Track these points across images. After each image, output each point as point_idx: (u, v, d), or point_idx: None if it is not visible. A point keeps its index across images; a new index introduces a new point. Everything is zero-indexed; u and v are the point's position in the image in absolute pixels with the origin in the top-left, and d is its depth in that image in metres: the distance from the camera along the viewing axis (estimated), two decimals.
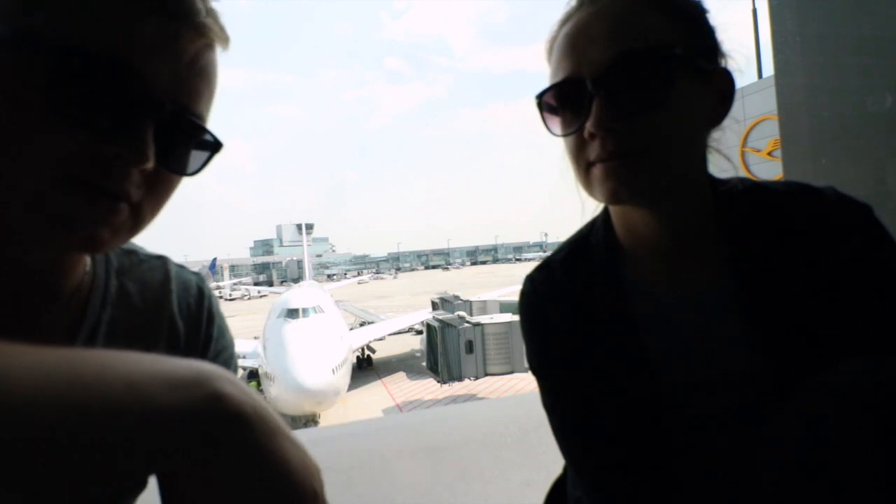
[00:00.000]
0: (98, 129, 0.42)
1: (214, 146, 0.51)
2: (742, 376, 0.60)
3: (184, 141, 0.49)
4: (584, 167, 0.60)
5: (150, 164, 0.44)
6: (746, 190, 0.65)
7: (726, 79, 0.61)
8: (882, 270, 0.58)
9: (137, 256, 0.60)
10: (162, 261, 0.61)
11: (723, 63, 0.61)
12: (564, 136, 0.61)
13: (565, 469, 0.81)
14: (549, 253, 0.75)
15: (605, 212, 0.70)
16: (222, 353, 0.63)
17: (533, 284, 0.71)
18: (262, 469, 0.31)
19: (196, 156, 0.50)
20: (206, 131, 0.50)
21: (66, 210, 0.42)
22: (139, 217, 0.48)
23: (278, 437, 0.32)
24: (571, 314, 0.66)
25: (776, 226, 0.61)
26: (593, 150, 0.58)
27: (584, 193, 0.65)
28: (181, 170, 0.49)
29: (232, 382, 0.31)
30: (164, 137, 0.46)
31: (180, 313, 0.59)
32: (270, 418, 0.32)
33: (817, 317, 0.57)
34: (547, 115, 0.62)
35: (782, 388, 0.55)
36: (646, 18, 0.56)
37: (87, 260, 0.55)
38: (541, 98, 0.62)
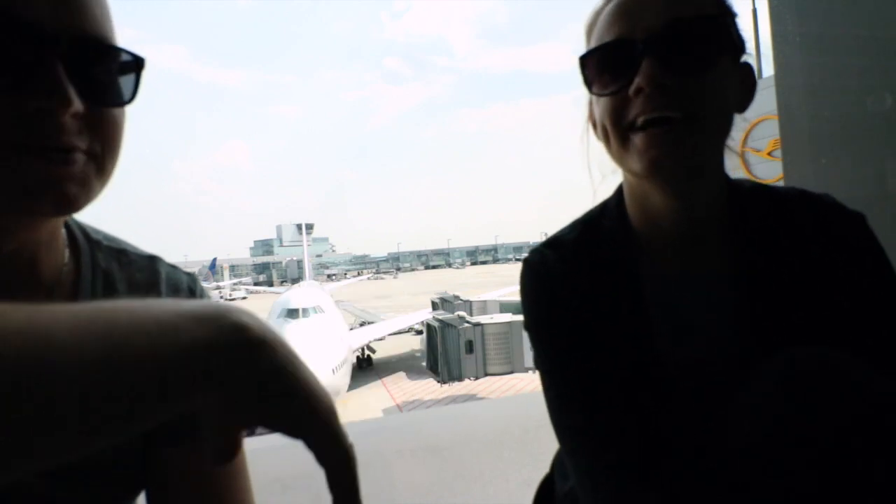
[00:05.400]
0: (8, 88, 0.40)
1: (137, 64, 0.48)
2: (738, 363, 0.62)
3: (102, 69, 0.45)
4: (623, 131, 0.60)
5: (77, 106, 0.42)
6: (753, 189, 0.68)
7: (748, 70, 0.64)
8: (870, 274, 0.62)
9: (127, 257, 0.59)
10: (152, 261, 0.60)
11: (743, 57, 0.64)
12: (609, 94, 0.61)
13: (552, 466, 0.82)
14: None
15: (618, 195, 0.71)
16: None
17: (541, 256, 0.71)
18: (290, 385, 0.33)
19: (124, 81, 0.47)
20: (118, 50, 0.47)
21: (20, 178, 0.41)
22: (100, 165, 0.46)
23: (297, 360, 0.35)
24: (580, 290, 0.67)
25: (780, 226, 0.64)
26: (636, 108, 0.58)
27: (596, 175, 0.67)
28: (115, 101, 0.47)
29: (248, 314, 0.33)
30: (80, 72, 0.43)
31: None
32: (287, 346, 0.35)
33: (810, 313, 0.61)
34: (589, 75, 0.63)
35: None
36: None
37: (66, 253, 0.54)
38: (584, 59, 0.63)
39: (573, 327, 0.66)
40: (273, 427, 0.34)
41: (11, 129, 0.40)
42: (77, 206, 0.45)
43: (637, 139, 0.59)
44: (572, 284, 0.68)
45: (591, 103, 0.69)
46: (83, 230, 0.58)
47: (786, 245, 0.63)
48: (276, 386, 0.33)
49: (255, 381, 0.32)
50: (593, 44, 0.63)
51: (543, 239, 0.77)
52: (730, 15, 0.62)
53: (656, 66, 0.56)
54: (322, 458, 0.34)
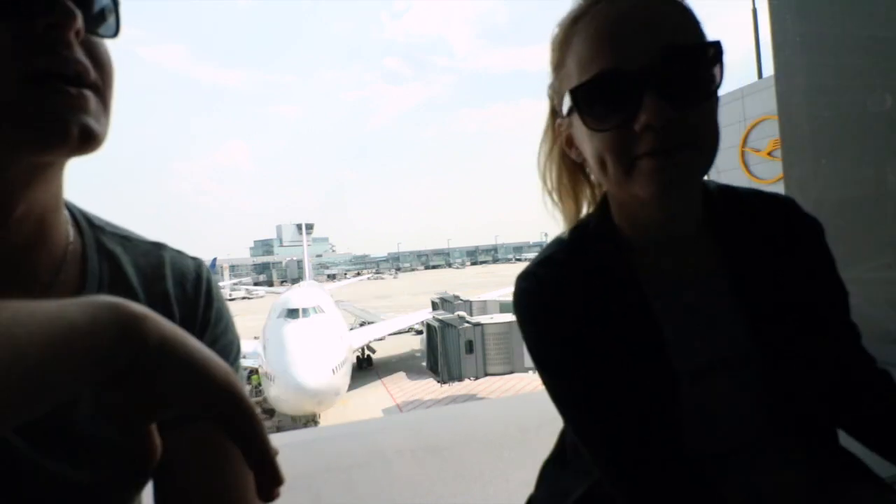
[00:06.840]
0: (17, 12, 0.40)
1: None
2: (736, 357, 0.65)
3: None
4: (627, 163, 0.59)
5: (80, 22, 0.43)
6: (720, 191, 0.71)
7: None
8: (825, 274, 0.70)
9: (132, 242, 0.59)
10: (157, 246, 0.61)
11: None
12: (610, 130, 0.59)
13: (556, 447, 0.82)
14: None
15: (602, 207, 0.71)
16: (221, 337, 0.61)
17: (536, 278, 0.70)
18: (181, 354, 0.34)
19: (111, 16, 0.48)
20: None
21: (41, 106, 0.41)
22: (105, 102, 0.47)
23: (184, 333, 0.35)
24: (584, 306, 0.66)
25: (752, 224, 0.69)
26: (643, 145, 0.57)
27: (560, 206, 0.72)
28: (107, 31, 0.48)
29: (127, 300, 0.34)
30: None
31: (176, 298, 0.59)
32: (173, 324, 0.35)
33: (789, 307, 0.65)
34: (584, 108, 0.60)
35: (769, 366, 0.64)
36: (679, 17, 0.59)
37: (70, 230, 0.54)
38: (576, 92, 0.60)
39: (583, 346, 0.65)
40: (177, 404, 0.34)
41: (29, 57, 0.40)
42: (99, 140, 0.45)
43: (644, 167, 0.58)
44: (574, 301, 0.66)
45: (556, 125, 0.70)
46: (84, 214, 0.58)
47: (761, 244, 0.67)
48: (166, 355, 0.33)
49: (145, 352, 0.32)
50: (574, 67, 0.60)
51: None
52: (717, 44, 0.60)
53: (660, 100, 0.55)
54: (230, 427, 0.34)
